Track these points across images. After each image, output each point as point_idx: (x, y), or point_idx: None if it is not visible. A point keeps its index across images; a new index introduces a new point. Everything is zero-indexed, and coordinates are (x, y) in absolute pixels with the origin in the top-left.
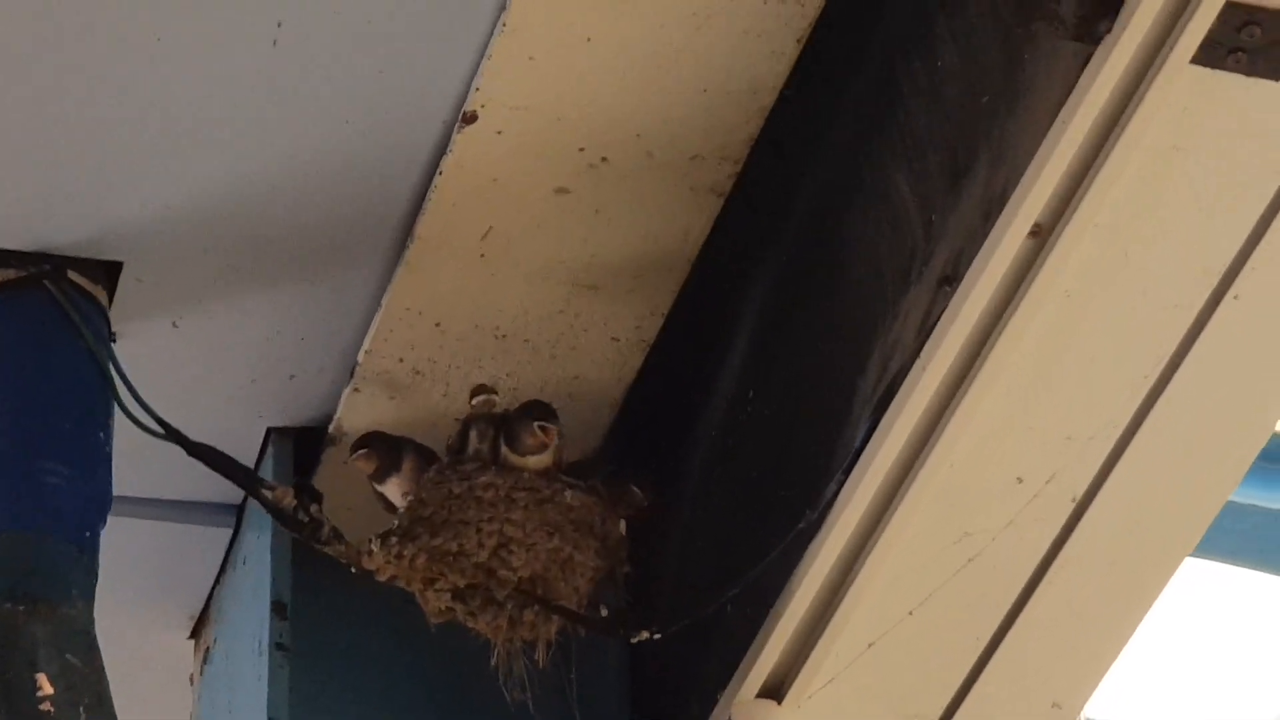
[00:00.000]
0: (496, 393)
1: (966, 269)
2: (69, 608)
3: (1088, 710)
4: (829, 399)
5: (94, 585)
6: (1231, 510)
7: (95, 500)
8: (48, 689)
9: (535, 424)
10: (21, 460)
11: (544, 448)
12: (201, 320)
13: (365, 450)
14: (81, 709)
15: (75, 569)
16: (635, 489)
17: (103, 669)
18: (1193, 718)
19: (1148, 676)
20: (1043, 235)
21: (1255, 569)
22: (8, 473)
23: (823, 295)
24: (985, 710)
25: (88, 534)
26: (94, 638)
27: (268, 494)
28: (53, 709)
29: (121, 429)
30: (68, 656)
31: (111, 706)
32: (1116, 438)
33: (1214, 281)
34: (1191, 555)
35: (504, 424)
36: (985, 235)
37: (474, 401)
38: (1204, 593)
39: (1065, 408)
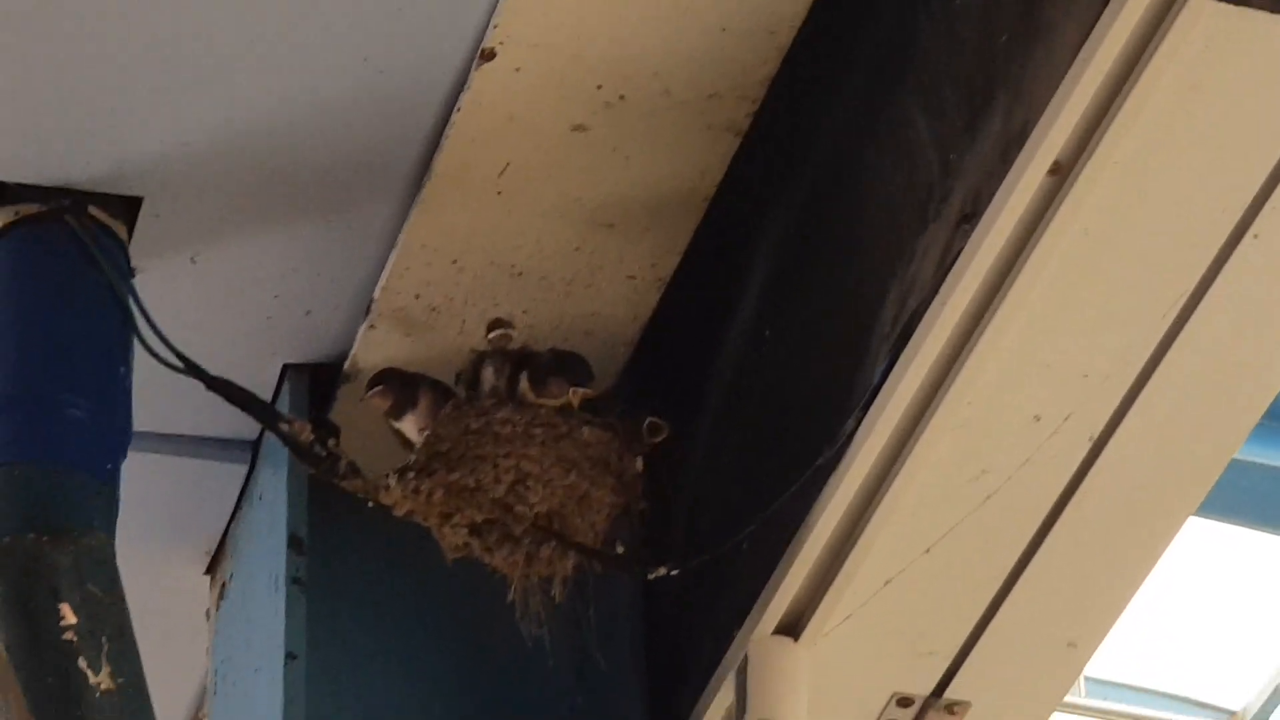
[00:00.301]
0: (514, 327)
1: (985, 207)
2: (91, 538)
3: (1090, 670)
4: (846, 337)
5: (115, 518)
6: (1234, 468)
7: (116, 433)
8: (70, 618)
9: (571, 388)
10: (43, 393)
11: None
12: (219, 256)
13: (381, 387)
14: (104, 639)
15: (96, 500)
16: (651, 426)
17: (124, 600)
18: (1193, 677)
19: (1149, 635)
20: (1062, 173)
21: (1255, 528)
22: (29, 405)
23: (840, 234)
24: (1001, 648)
25: (109, 466)
26: (115, 569)
27: (285, 428)
28: (75, 638)
29: (138, 365)
30: (90, 586)
31: (133, 637)
32: (1134, 376)
33: (1233, 220)
34: (1193, 514)
35: (527, 362)
36: (1004, 173)
37: (490, 336)
38: (1205, 552)
39: (1083, 346)
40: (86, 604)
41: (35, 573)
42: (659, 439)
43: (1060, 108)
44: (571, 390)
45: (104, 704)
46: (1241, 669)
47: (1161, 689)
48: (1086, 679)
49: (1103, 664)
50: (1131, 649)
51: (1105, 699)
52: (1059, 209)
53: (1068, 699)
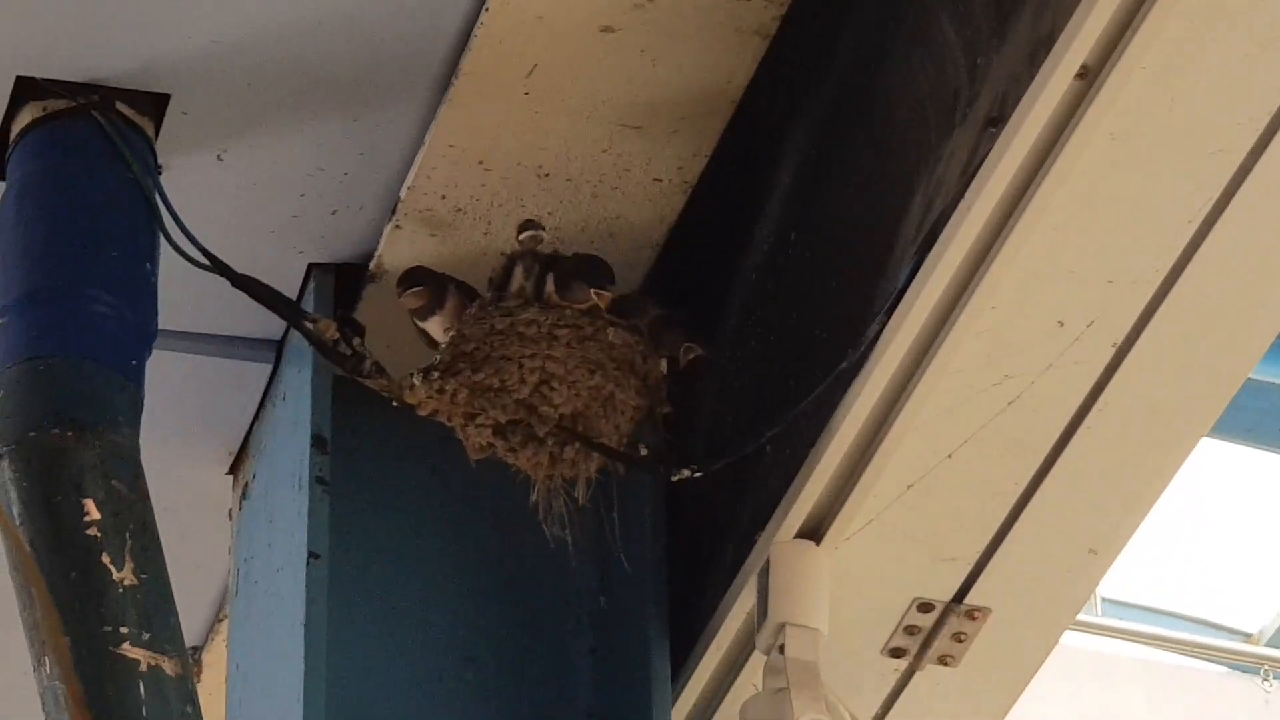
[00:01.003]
0: (544, 229)
1: (1012, 111)
2: (115, 434)
3: (1104, 590)
4: (872, 241)
5: (139, 414)
6: (1254, 389)
7: (141, 329)
8: (94, 514)
9: (591, 290)
10: (68, 288)
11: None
12: (246, 154)
13: (419, 288)
14: (127, 534)
15: (121, 396)
16: (687, 349)
17: (147, 496)
18: (1210, 599)
19: (1166, 558)
20: (1089, 77)
21: (1272, 450)
22: (55, 300)
23: (866, 137)
24: (1022, 554)
25: (133, 362)
26: (139, 465)
27: (310, 326)
28: (99, 534)
29: (163, 263)
30: (114, 483)
31: (156, 534)
32: (1159, 282)
33: (1260, 126)
34: (1206, 436)
35: (553, 265)
36: (1031, 77)
37: (520, 236)
38: (1222, 476)
39: (1108, 251)
40: (110, 500)
41: (59, 468)
42: (692, 358)
43: (1088, 11)
44: (595, 292)
45: (126, 599)
46: (1258, 591)
47: (1178, 611)
48: (1104, 600)
49: (1120, 585)
50: (1148, 571)
51: (1122, 619)
52: (1086, 113)
53: (1085, 619)
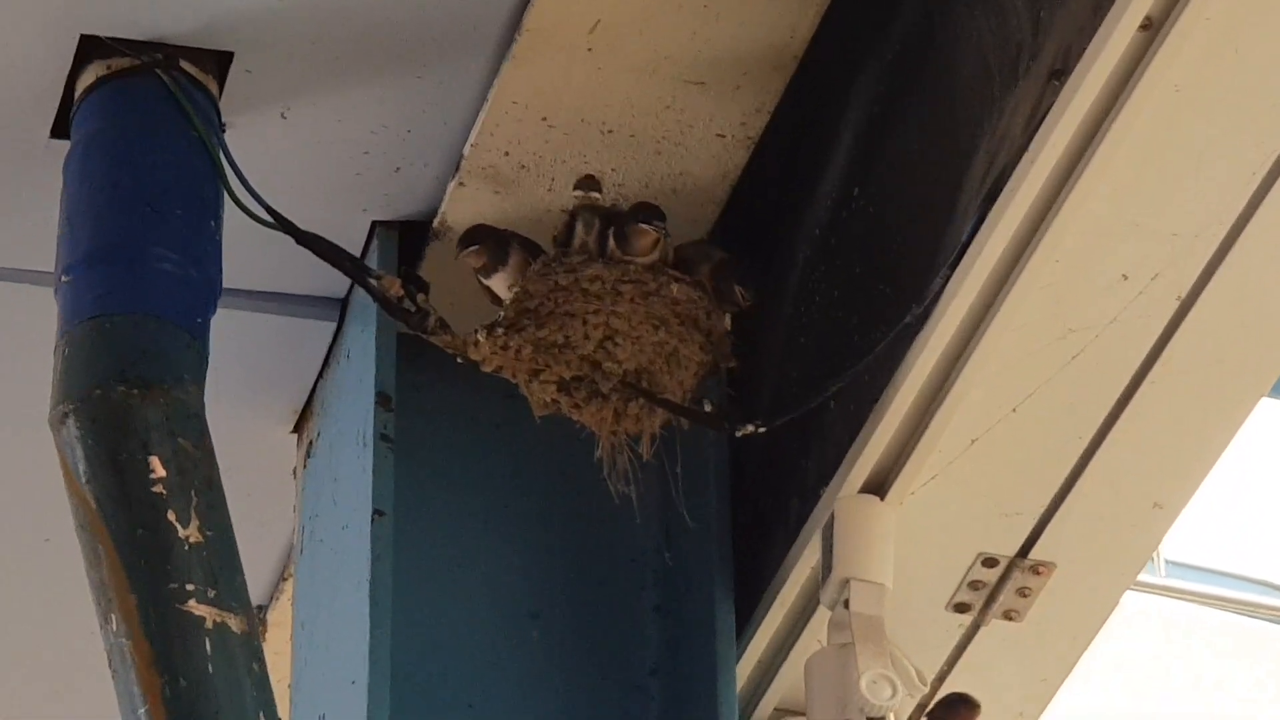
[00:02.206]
0: (600, 187)
1: (1075, 63)
2: (181, 392)
3: (1168, 553)
4: (935, 194)
5: (204, 372)
6: None
7: (206, 287)
8: (160, 471)
9: (639, 224)
10: (133, 246)
11: (652, 249)
12: (309, 112)
13: (476, 246)
14: (193, 492)
15: (187, 354)
16: (739, 289)
17: (213, 453)
18: (1273, 560)
19: (1229, 519)
20: (1153, 28)
21: None
22: (120, 258)
23: (929, 91)
24: (1087, 508)
25: (199, 320)
26: (204, 422)
27: (374, 283)
28: (164, 491)
29: (227, 221)
30: (179, 440)
31: (221, 491)
32: (1223, 235)
33: None
34: (1268, 396)
35: (613, 220)
36: (1095, 29)
37: (576, 193)
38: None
39: (1172, 204)
40: (176, 457)
41: (125, 425)
42: (747, 304)
43: None
44: (642, 225)
45: (192, 556)
46: None
47: (1241, 572)
48: (1166, 562)
49: (1183, 547)
50: (1211, 533)
51: (1185, 580)
52: (1150, 65)
53: (1148, 579)
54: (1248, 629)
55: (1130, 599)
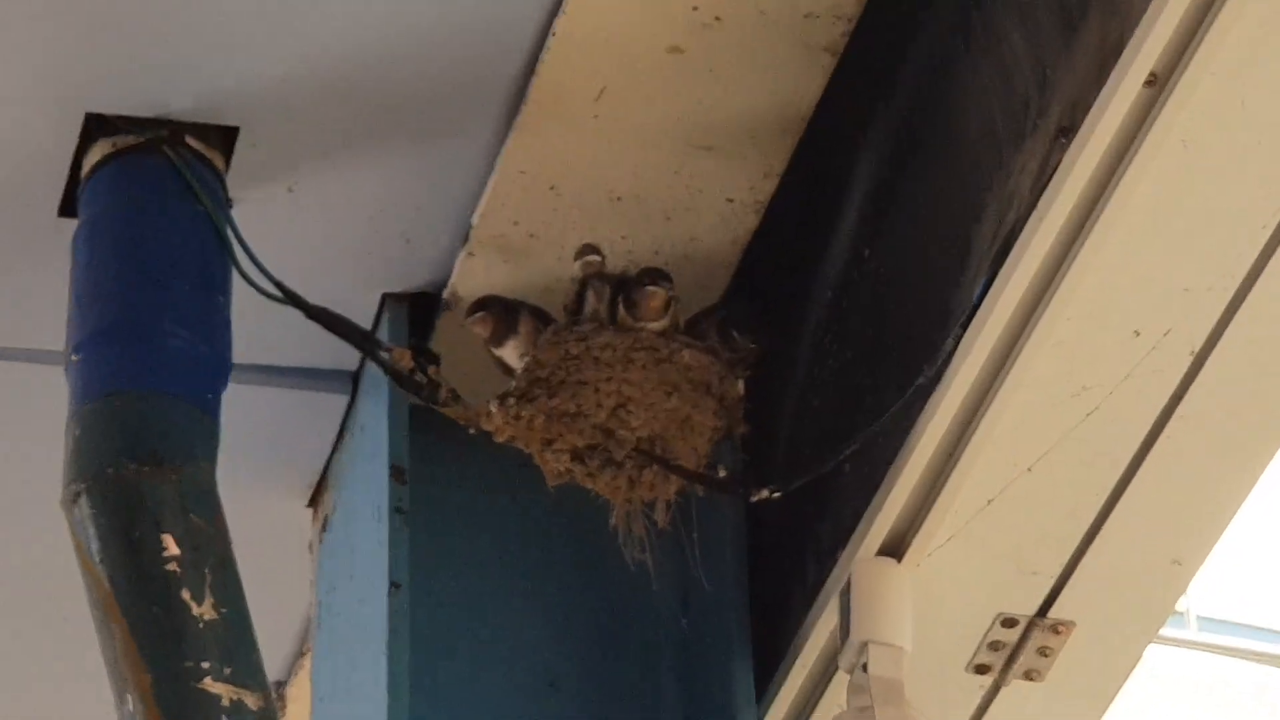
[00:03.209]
0: (601, 253)
1: (1082, 120)
2: (193, 468)
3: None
4: (945, 255)
5: (216, 448)
6: None
7: (216, 363)
8: (173, 549)
9: (646, 287)
10: (142, 322)
11: (662, 313)
12: (316, 186)
13: (482, 313)
14: (206, 569)
15: (197, 430)
16: (739, 336)
17: (226, 530)
18: None
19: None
20: (1158, 84)
21: None
22: (129, 335)
23: (937, 151)
24: (1105, 566)
25: (209, 396)
26: (217, 499)
27: (385, 356)
28: (178, 569)
29: (236, 296)
30: (192, 517)
31: (235, 568)
32: (1234, 289)
33: None
34: None
35: (622, 287)
36: (1101, 85)
37: (578, 262)
38: None
39: (1182, 259)
40: (189, 534)
41: (137, 503)
42: (754, 349)
43: (1156, 18)
44: (650, 288)
45: (207, 633)
46: None
47: (1274, 626)
48: (1198, 617)
49: (1213, 602)
50: (1242, 587)
51: (1217, 635)
52: (1156, 120)
53: (1179, 635)
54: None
55: (1161, 654)
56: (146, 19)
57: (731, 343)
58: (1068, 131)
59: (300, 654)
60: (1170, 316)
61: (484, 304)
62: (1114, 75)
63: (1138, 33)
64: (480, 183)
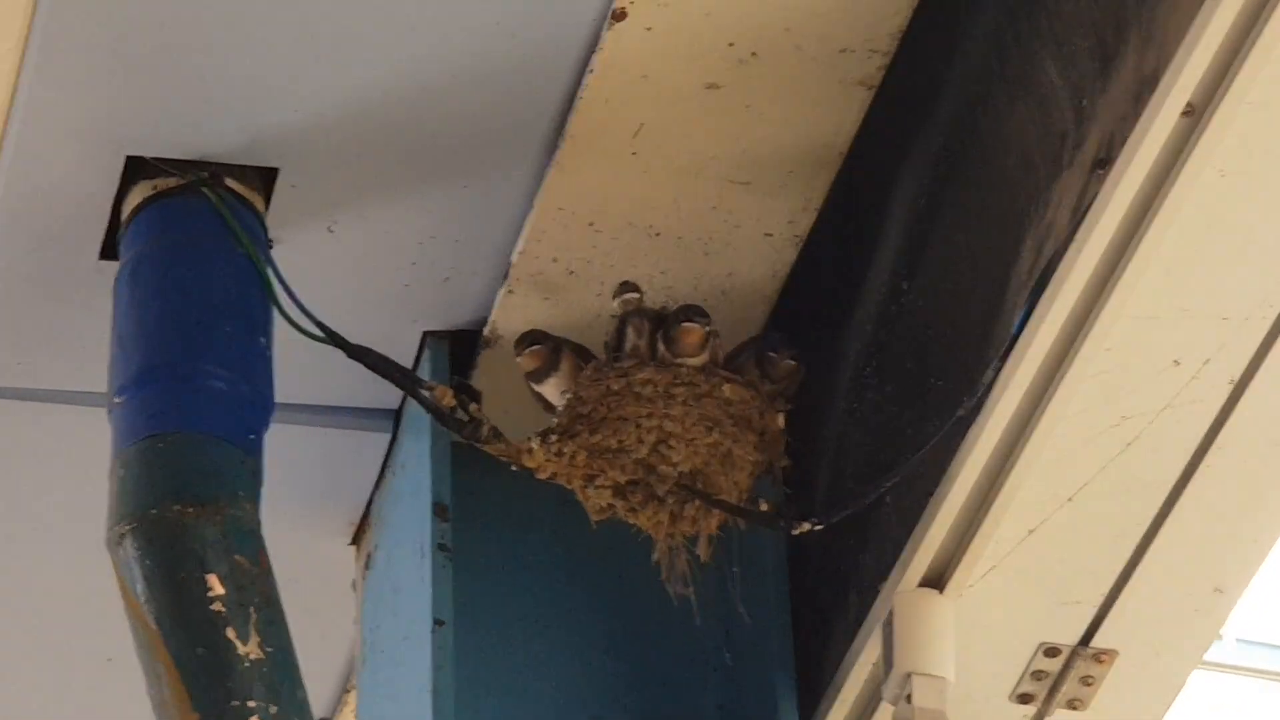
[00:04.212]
0: (639, 290)
1: (1119, 151)
2: (236, 509)
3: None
4: (983, 287)
5: (259, 488)
6: None
7: (258, 403)
8: (218, 589)
9: (683, 322)
10: (184, 364)
11: (700, 349)
12: (356, 225)
13: (536, 347)
14: (251, 608)
15: (241, 471)
16: (776, 358)
17: (270, 569)
18: None
19: None
20: (1195, 114)
21: None
22: (171, 376)
23: (974, 184)
24: (1147, 595)
25: (252, 436)
26: (261, 538)
27: (427, 394)
28: (223, 609)
29: (278, 338)
30: (236, 557)
31: (280, 606)
32: (1273, 317)
33: None
34: None
35: (660, 323)
36: (1137, 117)
37: (616, 300)
38: None
39: (1221, 288)
40: (234, 574)
41: (182, 544)
42: (792, 370)
43: (1192, 48)
44: (685, 324)
45: (253, 672)
46: None
47: None
48: (1238, 640)
49: (1254, 624)
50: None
51: (1254, 657)
52: (1193, 151)
53: (1218, 659)
54: None
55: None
56: (185, 62)
57: (771, 370)
58: (1105, 163)
59: (345, 691)
60: (1209, 346)
61: (533, 338)
62: (1151, 106)
63: (1174, 63)
64: (519, 220)
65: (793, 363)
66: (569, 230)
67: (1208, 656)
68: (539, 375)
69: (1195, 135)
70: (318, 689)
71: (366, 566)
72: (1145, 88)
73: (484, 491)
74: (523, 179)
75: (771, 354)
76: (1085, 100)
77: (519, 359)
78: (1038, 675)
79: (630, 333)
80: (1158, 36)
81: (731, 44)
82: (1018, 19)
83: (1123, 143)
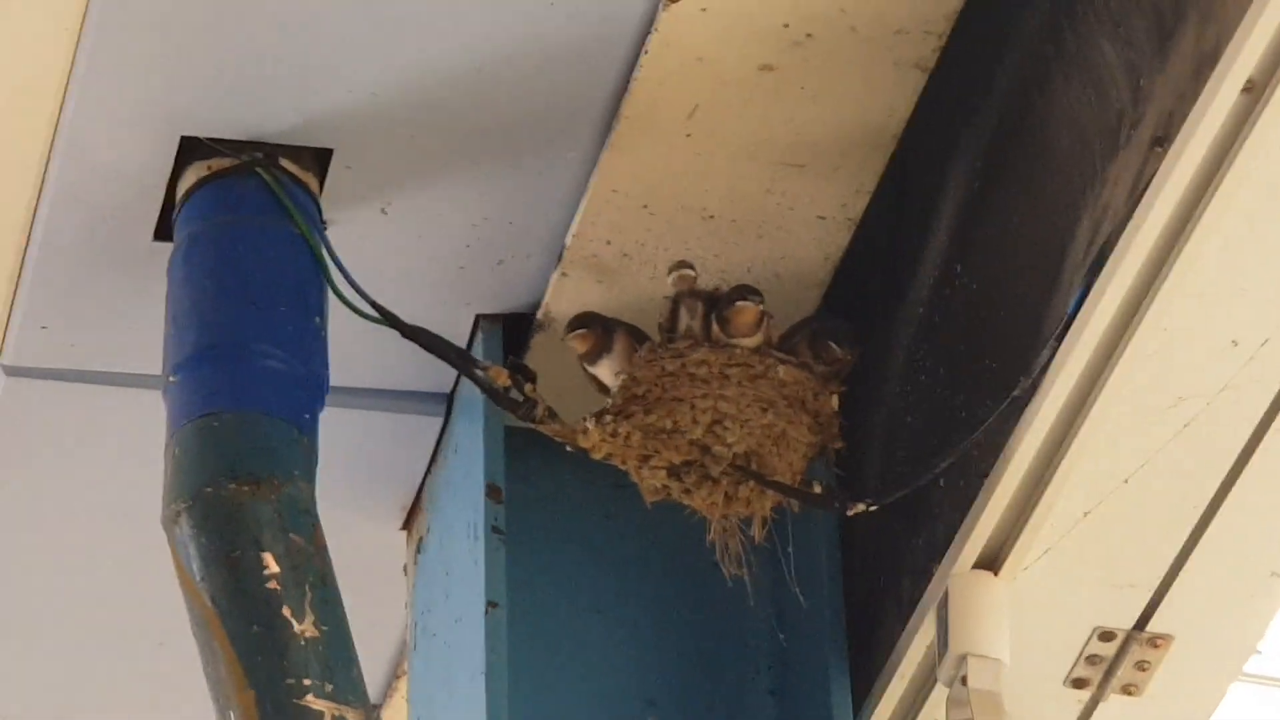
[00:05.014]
0: (693, 268)
1: (1178, 129)
2: (292, 487)
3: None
4: (1038, 268)
5: (314, 467)
6: None
7: (313, 382)
8: (274, 567)
9: (737, 301)
10: (239, 344)
11: (754, 329)
12: (410, 206)
13: (583, 330)
14: (307, 586)
15: (296, 449)
16: (834, 347)
17: (325, 549)
18: None
19: None
20: (1256, 91)
21: None
22: (226, 356)
23: (1029, 165)
24: (1203, 578)
25: (306, 416)
26: (316, 517)
27: (481, 374)
28: (279, 587)
29: (331, 322)
30: (292, 535)
31: (335, 585)
32: None
33: None
34: None
35: (714, 304)
36: (1196, 95)
37: (671, 278)
38: None
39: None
40: (289, 552)
41: (238, 522)
42: (848, 359)
43: (1253, 25)
44: (740, 301)
45: (308, 650)
46: None
47: None
48: None
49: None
50: None
51: None
52: (1253, 128)
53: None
54: None
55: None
56: (240, 42)
57: (826, 354)
58: (1162, 141)
59: (396, 676)
60: (1267, 326)
61: (583, 320)
62: (1210, 83)
63: (1235, 39)
64: (573, 202)
65: (850, 352)
66: (623, 213)
67: (1248, 669)
68: (590, 357)
69: (1256, 112)
70: (369, 673)
71: (418, 550)
72: (1204, 64)
73: (537, 474)
74: (577, 161)
75: (831, 344)
76: (1143, 79)
77: (568, 342)
78: (1092, 659)
79: (684, 313)
80: (1217, 14)
81: (786, 25)
82: (1073, 0)
83: (1181, 121)
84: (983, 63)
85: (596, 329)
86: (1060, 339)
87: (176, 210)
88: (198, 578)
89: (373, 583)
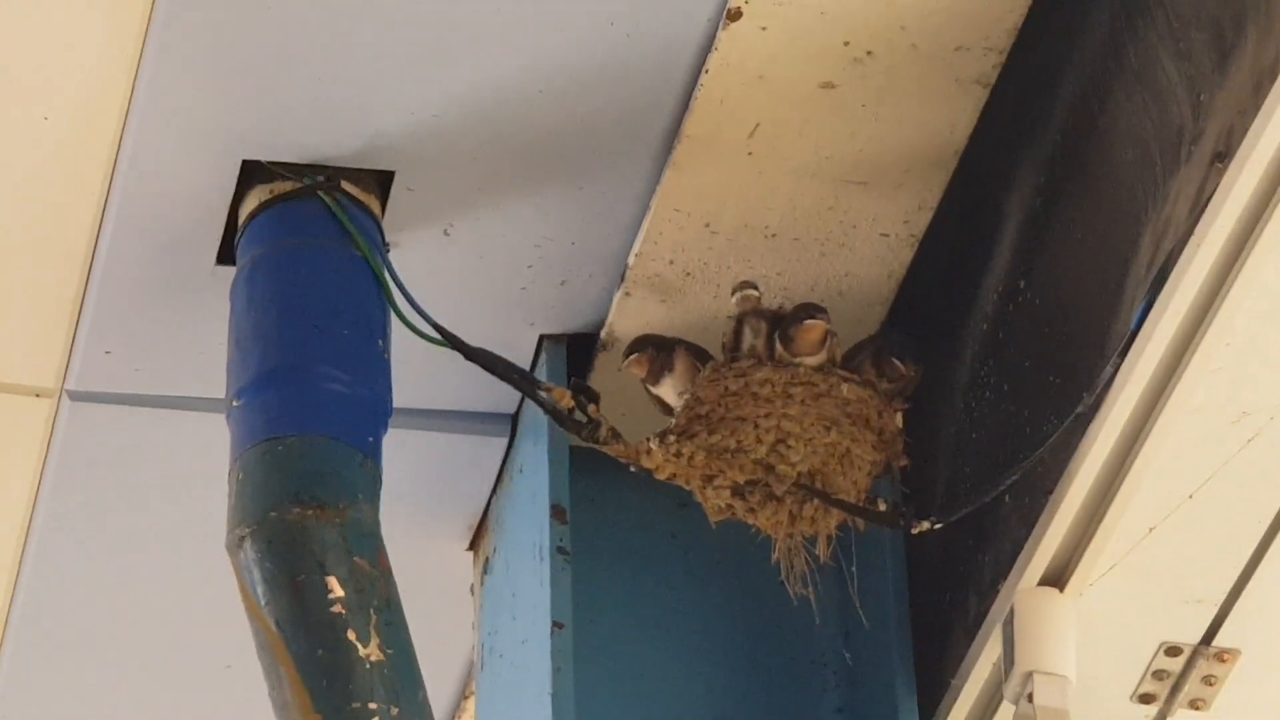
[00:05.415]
0: (757, 288)
1: (1238, 144)
2: (356, 511)
3: None
4: (1101, 283)
5: (379, 490)
6: None
7: (376, 406)
8: (338, 591)
9: (804, 320)
10: (302, 367)
11: (819, 347)
12: (472, 228)
13: (636, 355)
14: (372, 610)
15: (360, 473)
16: (899, 363)
17: (390, 572)
18: None
19: None
20: None
21: None
22: (290, 380)
23: (1091, 180)
24: (1270, 593)
25: (370, 439)
26: (381, 541)
27: (545, 395)
28: (344, 611)
29: (394, 343)
30: (356, 559)
31: (400, 609)
32: None
33: None
34: None
35: (778, 323)
36: (1257, 109)
37: (735, 297)
38: None
39: None
40: (353, 576)
41: (302, 546)
42: (912, 376)
43: None
44: (807, 319)
45: (374, 674)
46: None
47: None
48: None
49: None
50: None
51: None
52: None
53: None
54: None
55: None
56: (301, 65)
57: (891, 371)
58: (1223, 156)
59: (463, 697)
60: None
61: (638, 345)
62: (1271, 97)
63: None
64: (635, 222)
65: (915, 368)
66: (685, 232)
67: None
68: (652, 378)
69: None
70: (436, 694)
71: (484, 571)
72: (1264, 78)
73: (602, 494)
74: (638, 181)
75: (895, 360)
76: (1203, 94)
77: (627, 369)
78: (1159, 675)
79: (747, 333)
80: (1276, 29)
81: (847, 43)
82: (1133, 15)
83: (1242, 135)
84: (1044, 78)
85: (650, 351)
86: (1124, 354)
87: (239, 234)
88: (262, 602)
89: (440, 604)
